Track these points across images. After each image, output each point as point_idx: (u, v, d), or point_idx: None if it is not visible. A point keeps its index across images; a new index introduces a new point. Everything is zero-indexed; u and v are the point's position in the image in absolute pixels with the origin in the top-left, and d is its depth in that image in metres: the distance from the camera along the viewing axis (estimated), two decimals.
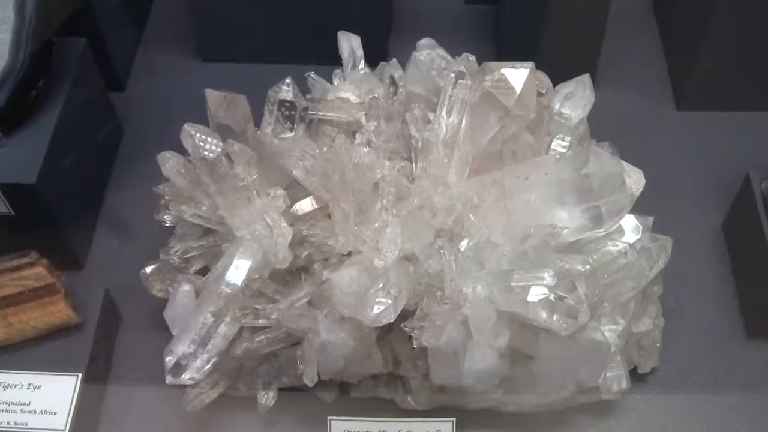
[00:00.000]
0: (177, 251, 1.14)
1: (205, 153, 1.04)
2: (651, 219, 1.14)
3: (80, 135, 1.31)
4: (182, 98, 1.51)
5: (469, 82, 1.09)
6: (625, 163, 1.07)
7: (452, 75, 1.10)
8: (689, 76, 1.45)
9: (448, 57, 1.23)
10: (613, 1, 1.36)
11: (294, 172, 1.09)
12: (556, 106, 1.19)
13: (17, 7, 1.16)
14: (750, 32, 1.35)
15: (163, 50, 1.59)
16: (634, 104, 1.50)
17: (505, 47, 1.45)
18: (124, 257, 1.33)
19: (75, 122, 1.27)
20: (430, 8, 1.63)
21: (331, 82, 1.26)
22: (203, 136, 1.05)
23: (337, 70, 1.26)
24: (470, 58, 1.25)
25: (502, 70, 1.07)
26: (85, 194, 1.35)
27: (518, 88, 1.07)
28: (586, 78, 1.20)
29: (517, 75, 1.07)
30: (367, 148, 1.08)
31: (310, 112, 1.16)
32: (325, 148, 1.08)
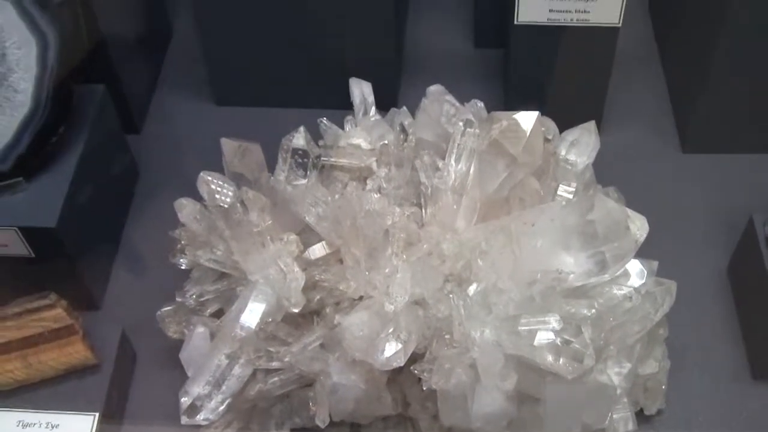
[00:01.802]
0: (193, 294, 1.17)
1: (221, 200, 1.07)
2: (655, 263, 1.16)
3: (98, 178, 1.34)
4: (196, 141, 1.55)
5: (477, 130, 1.12)
6: (629, 210, 1.09)
7: (461, 123, 1.13)
8: (693, 118, 1.47)
9: (457, 104, 1.26)
10: (618, 42, 1.38)
11: (307, 218, 1.11)
12: (563, 153, 1.22)
13: (39, 56, 1.20)
14: (753, 75, 1.38)
15: (178, 94, 1.62)
16: (639, 146, 1.52)
17: (512, 91, 1.48)
18: (140, 298, 1.35)
19: (93, 166, 1.31)
20: (440, 51, 1.66)
21: (342, 127, 1.29)
22: (219, 184, 1.08)
23: (349, 117, 1.29)
24: (478, 104, 1.29)
25: (509, 119, 1.10)
26: (102, 236, 1.39)
27: (525, 137, 1.10)
28: (591, 125, 1.23)
29: (524, 123, 1.11)
30: (378, 195, 1.11)
31: (322, 158, 1.19)
32: (337, 196, 1.11)
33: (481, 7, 1.60)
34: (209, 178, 1.08)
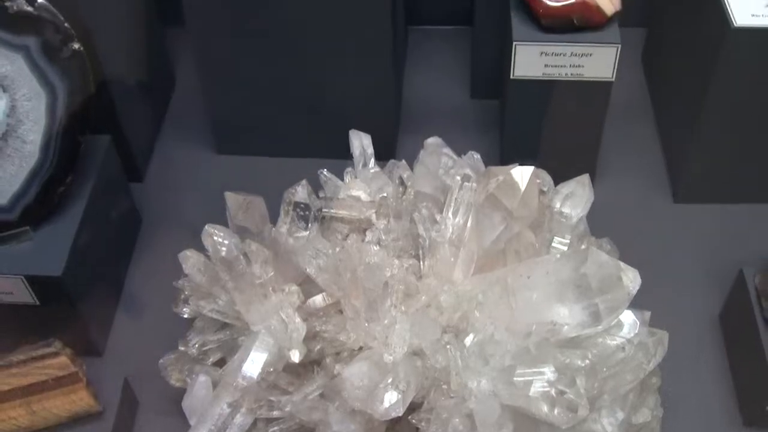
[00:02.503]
0: (195, 343, 1.20)
1: (225, 253, 1.10)
2: (648, 314, 1.18)
3: (102, 226, 1.36)
4: (197, 189, 1.58)
5: (474, 184, 1.15)
6: (622, 263, 1.12)
7: (458, 178, 1.16)
8: (685, 169, 1.50)
9: (454, 156, 1.29)
10: (612, 93, 1.41)
11: (308, 270, 1.14)
12: (557, 206, 1.25)
13: (48, 108, 1.23)
14: (743, 127, 1.41)
15: (180, 142, 1.65)
16: (632, 196, 1.55)
17: (508, 142, 1.51)
18: (143, 344, 1.37)
19: (98, 215, 1.34)
20: (437, 102, 1.69)
21: (342, 178, 1.32)
22: (223, 237, 1.10)
23: (349, 168, 1.32)
24: (475, 157, 1.32)
25: (505, 174, 1.13)
26: (105, 283, 1.41)
27: (521, 191, 1.13)
28: (585, 178, 1.26)
29: (520, 178, 1.14)
30: (378, 247, 1.14)
31: (323, 209, 1.22)
32: (338, 249, 1.14)
33: (478, 59, 1.64)
34: (213, 231, 1.11)
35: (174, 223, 1.53)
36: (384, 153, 1.45)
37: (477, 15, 1.58)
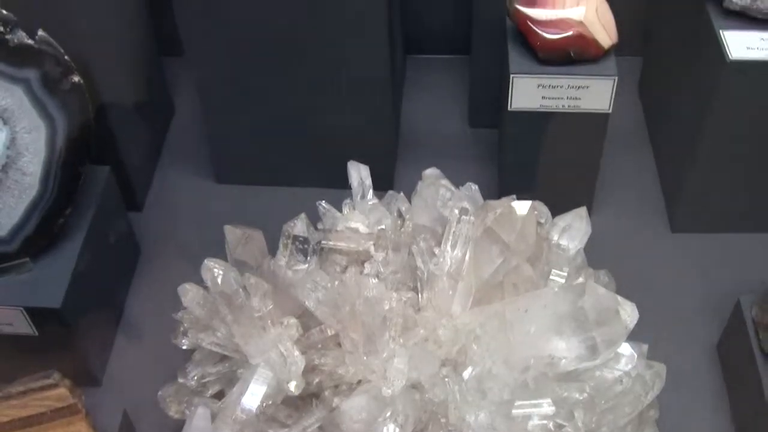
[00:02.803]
0: (194, 375, 1.20)
1: (224, 287, 1.10)
2: (645, 346, 1.19)
3: (101, 257, 1.37)
4: (196, 218, 1.58)
5: (472, 218, 1.16)
6: (619, 297, 1.13)
7: (456, 211, 1.17)
8: (682, 198, 1.51)
9: (453, 188, 1.30)
10: (609, 122, 1.42)
11: (306, 303, 1.15)
12: (555, 238, 1.25)
13: (48, 141, 1.23)
14: (739, 157, 1.42)
15: (179, 171, 1.66)
16: (629, 226, 1.55)
17: (505, 172, 1.51)
18: (141, 375, 1.37)
19: (97, 245, 1.34)
20: (436, 130, 1.70)
21: (340, 208, 1.33)
22: (222, 271, 1.11)
23: (347, 200, 1.32)
24: (473, 188, 1.33)
25: (503, 208, 1.14)
26: (104, 313, 1.41)
27: (519, 225, 1.14)
28: (582, 211, 1.27)
29: (518, 212, 1.14)
30: (376, 280, 1.14)
31: (321, 242, 1.22)
32: (336, 282, 1.14)
33: (476, 89, 1.65)
34: (213, 265, 1.11)
35: (173, 253, 1.53)
36: (382, 182, 1.46)
37: (474, 44, 1.59)
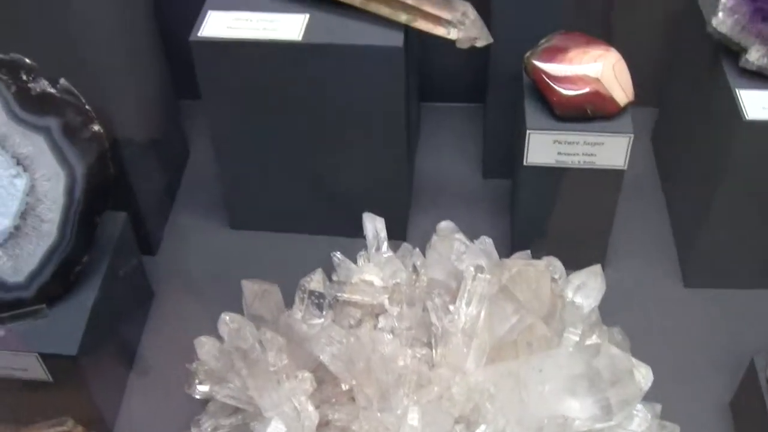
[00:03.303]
0: (207, 427, 1.20)
1: (240, 341, 1.11)
2: (659, 407, 1.19)
3: (116, 303, 1.37)
4: (210, 263, 1.58)
5: (487, 276, 1.16)
6: (634, 359, 1.13)
7: (472, 269, 1.17)
8: (695, 253, 1.51)
9: (467, 242, 1.31)
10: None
11: (321, 357, 1.15)
12: (569, 295, 1.26)
13: (67, 189, 1.24)
14: (754, 214, 1.42)
15: (193, 216, 1.66)
16: (642, 280, 1.55)
17: (519, 225, 1.52)
18: (154, 423, 1.37)
19: (112, 291, 1.34)
20: (449, 181, 1.70)
21: (353, 257, 1.34)
22: (239, 325, 1.11)
23: (362, 252, 1.33)
24: (487, 241, 1.33)
25: (519, 267, 1.14)
26: (118, 359, 1.41)
27: (534, 284, 1.14)
28: (597, 269, 1.28)
29: (533, 272, 1.15)
30: (391, 336, 1.15)
31: (336, 294, 1.23)
32: (352, 339, 1.15)
33: (490, 139, 1.65)
34: (230, 319, 1.12)
35: (186, 297, 1.54)
36: (395, 230, 1.47)
37: (489, 96, 1.60)
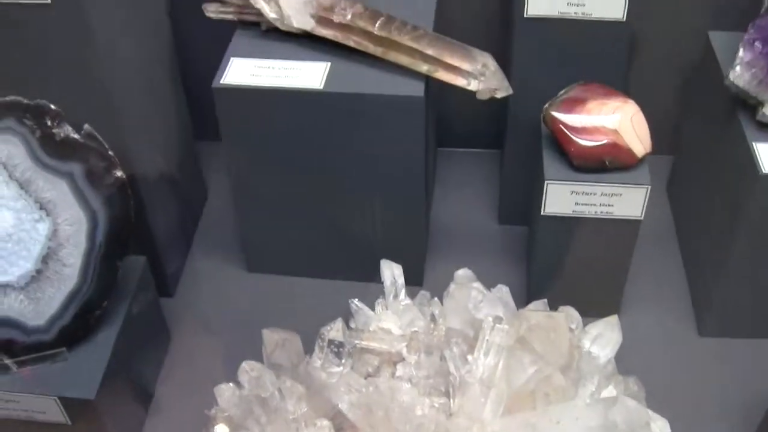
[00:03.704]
0: None
1: (260, 390, 1.11)
2: None
3: (135, 346, 1.38)
4: (227, 306, 1.60)
5: (505, 326, 1.17)
6: (651, 412, 1.13)
7: (490, 319, 1.18)
8: (710, 302, 1.51)
9: (484, 290, 1.31)
10: None
11: (340, 405, 1.16)
12: (586, 346, 1.26)
13: (89, 233, 1.26)
14: None
15: (211, 259, 1.68)
16: (657, 329, 1.56)
17: (535, 273, 1.52)
18: None
19: (131, 335, 1.35)
20: (465, 226, 1.72)
21: (371, 305, 1.34)
22: (258, 374, 1.12)
23: (380, 299, 1.34)
24: (504, 290, 1.34)
25: (537, 319, 1.15)
26: (135, 402, 1.42)
27: (551, 335, 1.15)
28: (614, 320, 1.28)
29: (551, 323, 1.16)
30: (409, 385, 1.15)
31: (354, 341, 1.24)
32: (371, 388, 1.15)
33: (506, 186, 1.67)
34: (249, 368, 1.13)
35: (203, 340, 1.55)
36: (412, 276, 1.47)
37: (507, 144, 1.61)
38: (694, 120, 1.63)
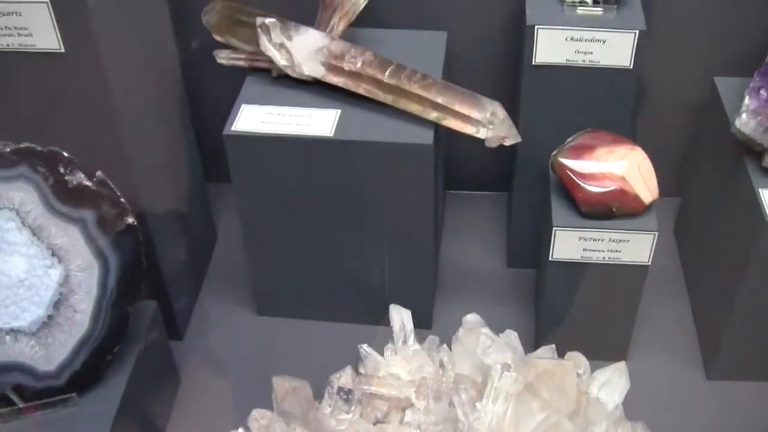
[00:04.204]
0: None
1: None
2: None
3: (145, 390, 1.39)
4: (236, 349, 1.60)
5: (514, 374, 1.17)
6: None
7: (498, 366, 1.19)
8: (718, 346, 1.51)
9: (493, 336, 1.32)
10: None
11: None
12: (594, 392, 1.27)
13: (100, 280, 1.27)
14: None
15: (221, 302, 1.68)
16: (665, 372, 1.55)
17: (543, 317, 1.52)
18: None
19: (142, 379, 1.36)
20: (474, 269, 1.72)
21: (378, 346, 1.35)
22: (269, 422, 1.13)
23: (389, 344, 1.35)
24: (512, 335, 1.35)
25: (546, 366, 1.16)
26: None
27: (559, 382, 1.16)
28: (622, 366, 1.29)
29: (559, 370, 1.16)
30: (418, 431, 1.16)
31: (363, 386, 1.24)
32: None
33: (515, 231, 1.67)
34: (259, 416, 1.13)
35: (212, 384, 1.55)
36: (421, 319, 1.48)
37: (515, 188, 1.62)
38: (702, 164, 1.64)
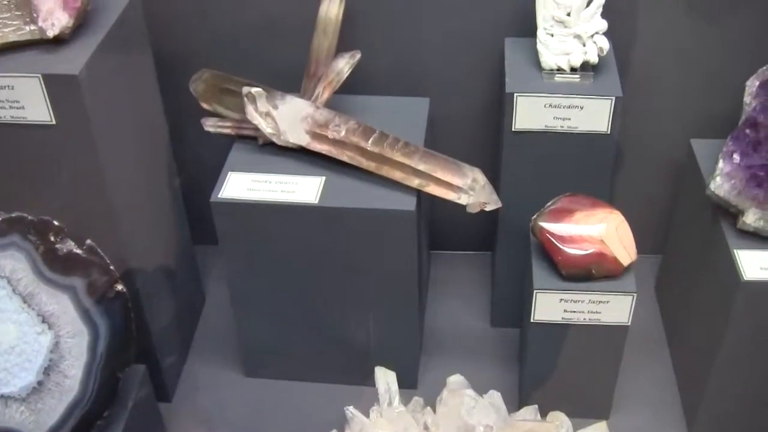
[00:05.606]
0: None
1: None
2: None
3: None
4: (225, 411, 1.61)
5: None
6: None
7: (481, 428, 1.21)
8: (699, 404, 1.53)
9: (476, 397, 1.34)
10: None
11: None
12: None
13: (90, 346, 1.28)
14: (758, 371, 1.45)
15: (209, 363, 1.70)
16: (648, 429, 1.57)
17: (527, 377, 1.54)
18: None
19: None
20: (458, 328, 1.74)
21: (364, 406, 1.37)
22: None
23: (375, 406, 1.37)
24: (495, 395, 1.37)
25: (528, 427, 1.18)
26: None
27: None
28: (603, 425, 1.31)
29: (542, 431, 1.18)
30: None
31: None
32: None
33: (498, 291, 1.70)
34: None
35: None
36: (406, 379, 1.50)
37: (498, 250, 1.65)
38: (681, 223, 1.67)
